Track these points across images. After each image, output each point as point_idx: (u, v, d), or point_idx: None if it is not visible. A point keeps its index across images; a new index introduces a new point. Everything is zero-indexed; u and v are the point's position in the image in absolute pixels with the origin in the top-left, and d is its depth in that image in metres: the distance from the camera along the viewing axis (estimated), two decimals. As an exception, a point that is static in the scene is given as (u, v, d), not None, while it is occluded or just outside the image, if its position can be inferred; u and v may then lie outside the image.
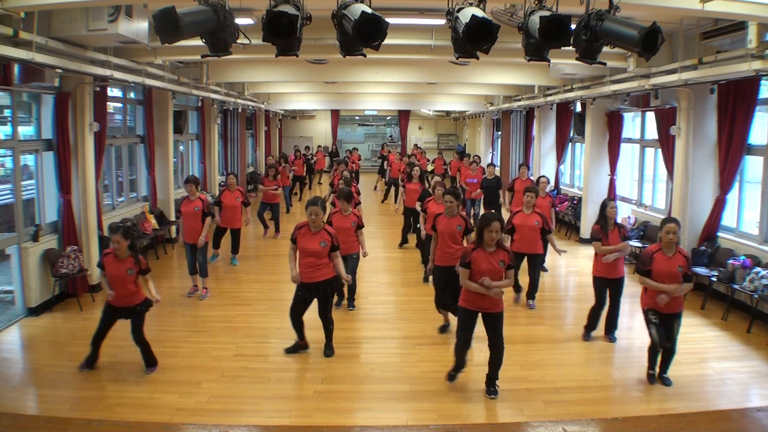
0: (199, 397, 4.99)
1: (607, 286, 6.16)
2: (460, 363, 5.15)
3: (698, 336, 6.53)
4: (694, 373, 5.51)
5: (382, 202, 16.92)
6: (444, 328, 6.55)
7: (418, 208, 8.42)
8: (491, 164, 12.00)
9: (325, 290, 5.71)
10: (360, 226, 6.94)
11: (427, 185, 10.59)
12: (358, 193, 9.33)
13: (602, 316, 6.34)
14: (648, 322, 5.17)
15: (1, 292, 7.74)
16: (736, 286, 6.86)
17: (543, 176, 9.50)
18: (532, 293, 7.41)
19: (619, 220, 6.30)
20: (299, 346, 5.96)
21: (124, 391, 5.07)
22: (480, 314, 4.95)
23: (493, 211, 10.47)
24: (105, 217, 8.49)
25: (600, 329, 6.38)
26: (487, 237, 4.79)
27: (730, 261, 7.17)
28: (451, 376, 5.22)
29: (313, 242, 5.57)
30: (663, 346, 5.13)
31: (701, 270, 7.58)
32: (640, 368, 5.57)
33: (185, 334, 6.47)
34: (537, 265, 7.28)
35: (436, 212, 6.71)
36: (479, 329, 4.98)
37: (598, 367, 5.63)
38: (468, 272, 4.87)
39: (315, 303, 5.77)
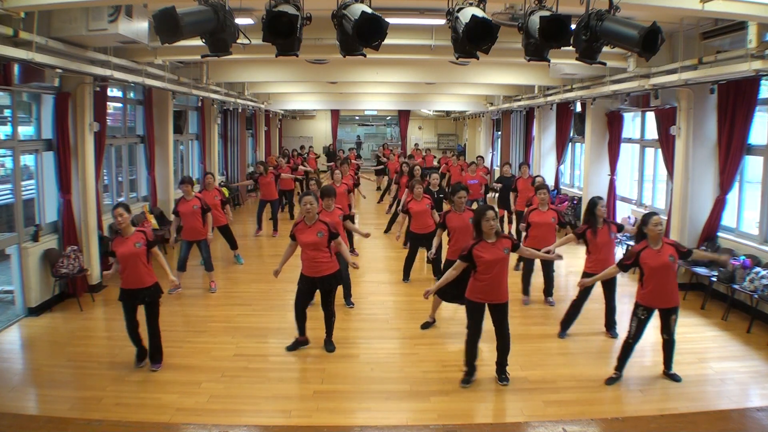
0: (199, 397, 4.99)
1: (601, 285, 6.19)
2: (471, 359, 5.14)
3: (698, 336, 6.53)
4: (694, 373, 5.51)
5: (378, 202, 16.91)
6: (427, 325, 6.60)
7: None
8: (507, 163, 12.06)
9: (330, 284, 5.81)
10: (346, 216, 7.07)
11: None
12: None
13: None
14: (633, 315, 5.21)
15: (1, 292, 7.75)
16: (736, 286, 6.86)
17: (539, 176, 9.85)
18: (549, 290, 7.49)
19: (618, 221, 6.32)
20: (299, 342, 5.98)
21: (124, 391, 5.07)
22: (486, 305, 5.04)
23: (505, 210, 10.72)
24: (105, 217, 8.49)
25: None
26: (486, 227, 4.91)
27: (730, 261, 7.16)
28: (466, 380, 5.17)
29: (310, 234, 5.68)
30: (637, 341, 5.22)
31: (701, 270, 7.58)
32: (640, 368, 5.56)
33: (185, 334, 6.47)
34: (551, 262, 7.24)
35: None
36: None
37: (598, 366, 5.62)
38: (464, 265, 4.99)
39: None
